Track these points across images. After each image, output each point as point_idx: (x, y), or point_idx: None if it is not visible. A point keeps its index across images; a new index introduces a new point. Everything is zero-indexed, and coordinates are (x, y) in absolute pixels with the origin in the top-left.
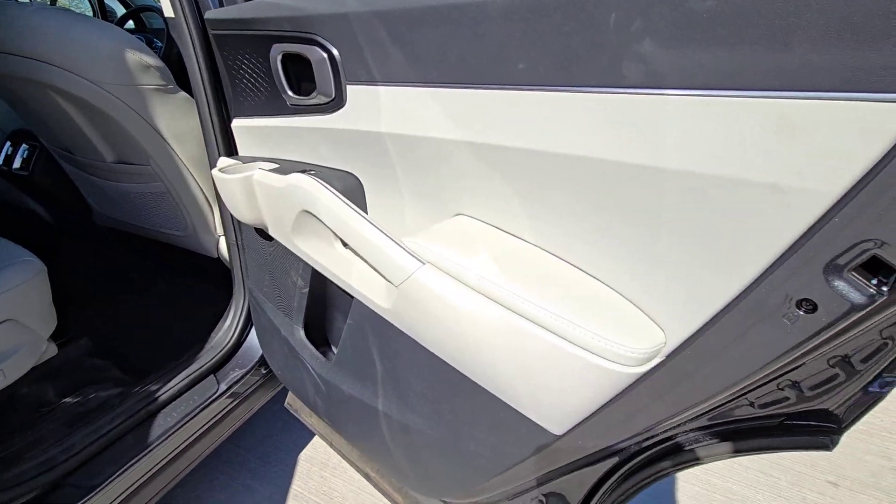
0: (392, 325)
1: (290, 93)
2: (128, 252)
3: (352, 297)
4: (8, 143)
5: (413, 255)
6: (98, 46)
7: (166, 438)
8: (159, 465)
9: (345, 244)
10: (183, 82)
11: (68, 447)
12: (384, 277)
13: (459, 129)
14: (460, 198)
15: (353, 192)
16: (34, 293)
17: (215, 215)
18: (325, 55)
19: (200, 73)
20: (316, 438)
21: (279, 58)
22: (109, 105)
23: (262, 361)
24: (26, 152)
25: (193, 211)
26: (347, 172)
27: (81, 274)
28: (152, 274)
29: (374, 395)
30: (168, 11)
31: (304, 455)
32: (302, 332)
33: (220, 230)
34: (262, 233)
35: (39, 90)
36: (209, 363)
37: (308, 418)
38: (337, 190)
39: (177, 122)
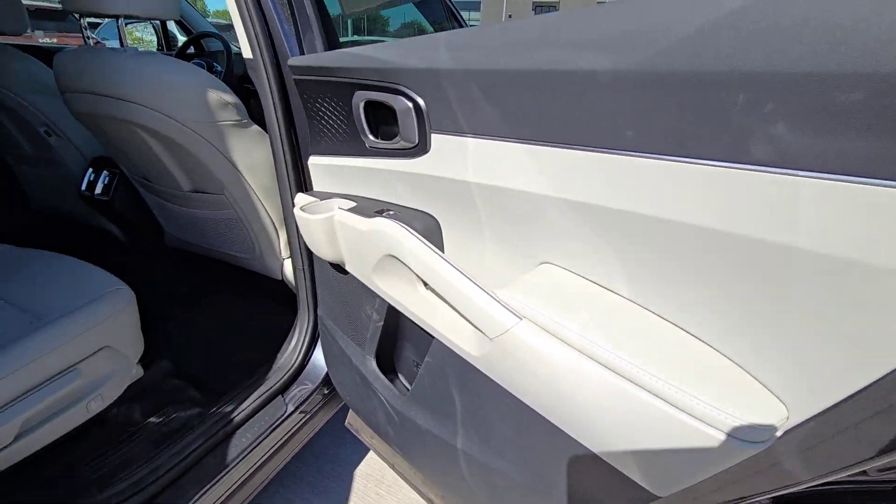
0: (478, 370)
1: (370, 137)
2: (195, 272)
3: (430, 335)
4: (90, 170)
5: (509, 310)
6: (186, 89)
7: (242, 458)
8: (236, 485)
9: (425, 285)
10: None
11: (155, 468)
12: (476, 328)
13: (555, 186)
14: (549, 248)
15: (431, 232)
16: (126, 320)
17: (280, 240)
18: (411, 105)
19: (275, 112)
20: (370, 455)
21: (362, 104)
22: (190, 141)
23: (325, 381)
24: (107, 179)
25: (261, 236)
26: (426, 213)
27: (155, 293)
28: (218, 293)
29: (454, 432)
30: (247, 53)
31: (360, 471)
32: (374, 364)
33: (284, 254)
34: (337, 266)
35: (127, 127)
36: (277, 384)
37: (369, 439)
38: (417, 230)
39: (250, 154)
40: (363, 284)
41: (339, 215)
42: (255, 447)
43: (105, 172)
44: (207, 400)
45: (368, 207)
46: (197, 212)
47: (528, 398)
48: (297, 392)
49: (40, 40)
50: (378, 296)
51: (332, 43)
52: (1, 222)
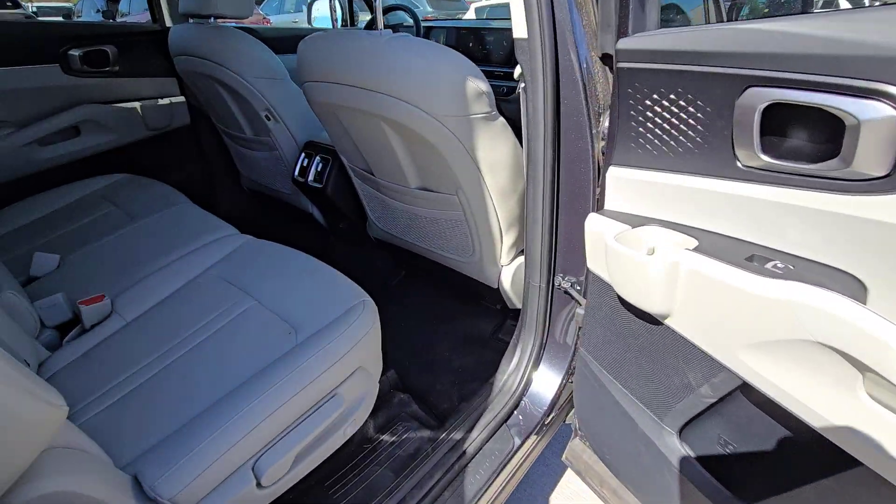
0: None
1: (761, 155)
2: (397, 265)
3: (851, 461)
4: (303, 155)
5: None
6: (446, 79)
7: (479, 497)
8: None
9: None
10: None
11: (401, 500)
12: None
13: None
14: None
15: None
16: (375, 337)
17: (504, 246)
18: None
19: (545, 106)
20: (564, 479)
21: (761, 108)
22: (439, 137)
23: (549, 409)
24: (319, 165)
25: (485, 240)
26: (843, 272)
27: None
28: (420, 290)
29: None
30: (520, 33)
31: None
32: (677, 442)
33: (504, 260)
34: (636, 310)
35: (370, 120)
36: (501, 411)
37: (592, 481)
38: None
39: (493, 151)
40: (681, 340)
41: (693, 262)
42: (489, 483)
43: (318, 158)
44: (431, 418)
45: (721, 247)
46: (419, 210)
47: None
48: (521, 422)
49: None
50: (722, 370)
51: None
52: (222, 199)
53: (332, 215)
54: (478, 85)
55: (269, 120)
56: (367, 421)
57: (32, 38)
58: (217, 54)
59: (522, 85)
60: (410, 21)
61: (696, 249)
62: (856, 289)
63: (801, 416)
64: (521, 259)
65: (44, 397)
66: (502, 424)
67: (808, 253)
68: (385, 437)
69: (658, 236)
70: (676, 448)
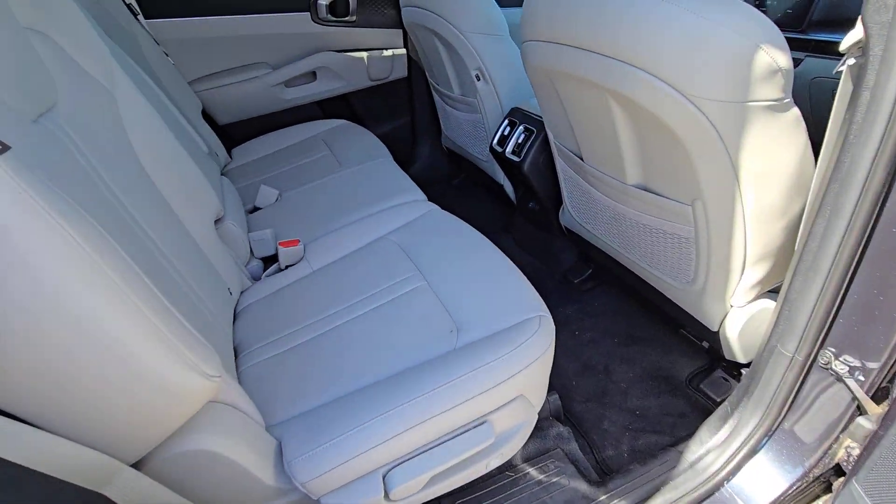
0: None
1: None
2: (584, 261)
3: None
4: (505, 122)
5: None
6: (724, 47)
7: None
8: None
9: None
10: None
11: None
12: None
13: None
14: None
15: None
16: (546, 363)
17: (743, 282)
18: None
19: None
20: None
21: None
22: (688, 126)
23: None
24: (521, 137)
25: (716, 270)
26: None
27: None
28: (609, 296)
29: None
30: None
31: None
32: None
33: (737, 300)
34: None
35: (597, 94)
36: (687, 496)
37: None
38: None
39: (771, 155)
40: None
41: None
42: None
43: (521, 128)
44: (591, 467)
45: None
46: (632, 212)
47: None
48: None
49: None
50: None
51: None
52: (421, 152)
53: (525, 192)
54: (774, 57)
55: (478, 80)
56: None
57: None
58: (440, 5)
59: (853, 61)
60: None
61: None
62: None
63: None
64: (765, 304)
65: (198, 367)
66: (715, 492)
67: None
68: (531, 472)
69: None
70: None
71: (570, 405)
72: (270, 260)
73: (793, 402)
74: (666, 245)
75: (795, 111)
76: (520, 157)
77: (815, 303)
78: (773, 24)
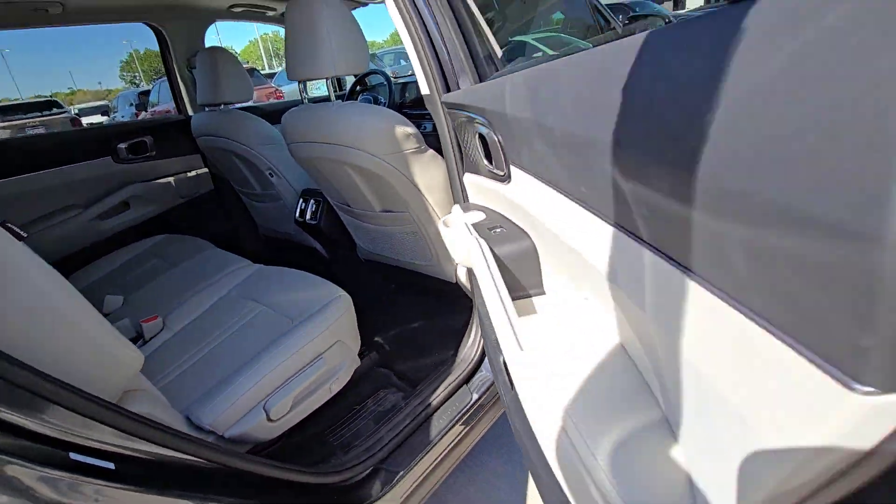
0: None
1: (484, 162)
2: (385, 279)
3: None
4: (301, 200)
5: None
6: (381, 128)
7: (441, 437)
8: (436, 461)
9: None
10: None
11: (379, 439)
12: None
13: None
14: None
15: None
16: (349, 320)
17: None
18: (497, 139)
19: (449, 137)
20: None
21: (477, 134)
22: (382, 169)
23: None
24: (314, 206)
25: (437, 245)
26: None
27: (357, 297)
28: (404, 296)
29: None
30: (424, 90)
31: None
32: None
33: (454, 257)
34: None
35: (337, 165)
36: (462, 374)
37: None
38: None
39: (427, 175)
40: None
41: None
42: (450, 427)
43: (312, 201)
44: (407, 385)
45: (496, 220)
46: (385, 228)
47: None
48: (478, 381)
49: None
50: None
51: (482, 77)
52: (246, 245)
53: (330, 246)
54: (405, 128)
55: (272, 177)
56: (354, 389)
57: (90, 140)
58: (228, 132)
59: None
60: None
61: (478, 223)
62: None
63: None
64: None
65: (128, 343)
66: (462, 385)
67: (508, 214)
68: (369, 401)
69: (467, 216)
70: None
71: (393, 366)
72: (133, 342)
73: None
74: (411, 241)
75: (430, 151)
76: (317, 220)
77: None
78: (396, 113)
